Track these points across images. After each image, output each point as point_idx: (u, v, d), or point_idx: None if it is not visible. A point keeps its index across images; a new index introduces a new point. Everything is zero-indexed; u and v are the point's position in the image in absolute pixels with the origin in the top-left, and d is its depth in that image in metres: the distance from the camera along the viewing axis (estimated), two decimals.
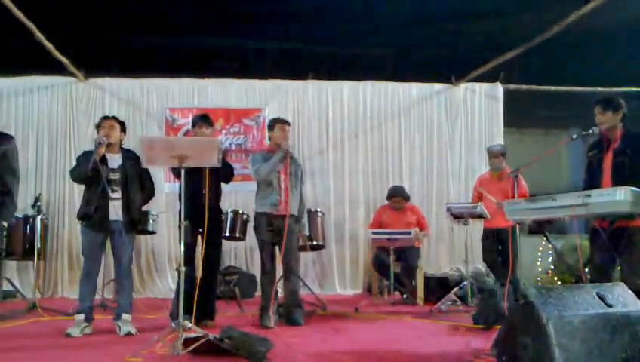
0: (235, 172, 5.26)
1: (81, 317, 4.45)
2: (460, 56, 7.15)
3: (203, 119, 5.00)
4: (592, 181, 4.43)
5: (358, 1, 6.11)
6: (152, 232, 6.36)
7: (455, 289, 5.88)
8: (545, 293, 3.05)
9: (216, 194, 4.99)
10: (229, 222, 6.04)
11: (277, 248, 5.00)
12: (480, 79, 7.68)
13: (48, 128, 7.27)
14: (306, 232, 5.65)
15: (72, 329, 4.37)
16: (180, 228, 4.03)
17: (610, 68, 7.27)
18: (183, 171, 3.98)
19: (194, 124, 5.01)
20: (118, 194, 4.50)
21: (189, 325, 3.77)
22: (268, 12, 6.28)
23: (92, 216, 4.45)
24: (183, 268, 3.87)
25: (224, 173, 4.91)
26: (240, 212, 6.21)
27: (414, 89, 7.87)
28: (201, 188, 4.69)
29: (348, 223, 7.53)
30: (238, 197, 7.18)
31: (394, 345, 4.20)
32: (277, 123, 5.15)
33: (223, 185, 5.10)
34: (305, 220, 5.48)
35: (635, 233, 4.11)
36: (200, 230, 4.68)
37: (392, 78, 7.80)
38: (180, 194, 4.01)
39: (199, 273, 4.67)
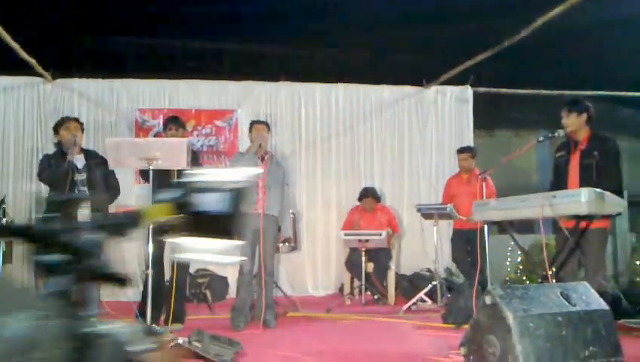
0: None
1: None
2: (430, 60, 7.20)
3: (174, 121, 5.00)
4: (559, 182, 4.53)
5: (331, 3, 6.12)
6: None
7: (425, 289, 5.94)
8: (510, 293, 3.11)
9: None
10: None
11: (257, 248, 5.01)
12: (450, 82, 7.76)
13: (15, 129, 7.11)
14: (289, 235, 5.67)
15: None
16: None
17: (577, 71, 7.43)
18: (151, 173, 3.97)
19: (165, 126, 5.00)
20: (85, 195, 4.50)
21: (157, 329, 3.74)
22: (240, 13, 6.25)
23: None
24: (150, 271, 3.84)
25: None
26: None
27: (386, 91, 7.91)
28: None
29: (320, 224, 7.53)
30: None
31: (365, 345, 4.23)
32: (253, 124, 5.29)
33: None
34: (287, 223, 5.49)
35: (596, 233, 4.22)
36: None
37: (364, 80, 7.82)
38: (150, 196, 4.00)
39: (167, 276, 4.66)
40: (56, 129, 4.65)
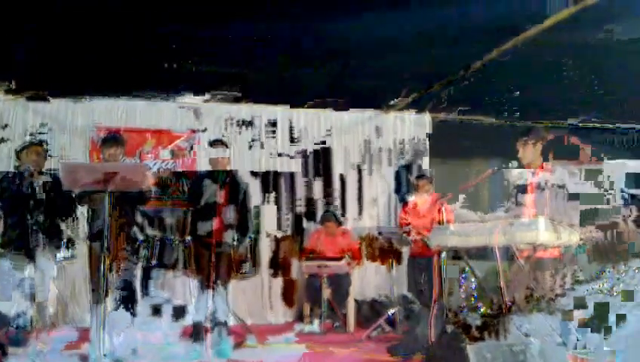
0: (165, 197, 5.14)
1: None
2: (390, 86, 7.32)
3: (113, 140, 4.74)
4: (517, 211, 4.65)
5: (292, 29, 6.17)
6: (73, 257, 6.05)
7: (383, 317, 5.95)
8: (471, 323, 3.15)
9: (129, 219, 4.75)
10: (157, 250, 5.84)
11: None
12: (409, 108, 7.90)
13: None
14: (246, 258, 5.57)
15: None
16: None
17: (530, 101, 7.66)
18: (107, 196, 3.86)
19: (103, 145, 4.72)
20: (41, 218, 4.42)
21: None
22: (203, 34, 6.21)
23: (15, 242, 4.33)
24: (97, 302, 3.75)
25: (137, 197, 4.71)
26: (168, 239, 6.03)
27: (346, 116, 7.99)
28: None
29: (280, 248, 7.47)
30: (166, 222, 6.96)
31: None
32: (210, 144, 5.23)
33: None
34: (245, 246, 5.37)
35: (549, 262, 4.33)
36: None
37: (325, 104, 7.87)
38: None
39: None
40: (23, 153, 4.54)
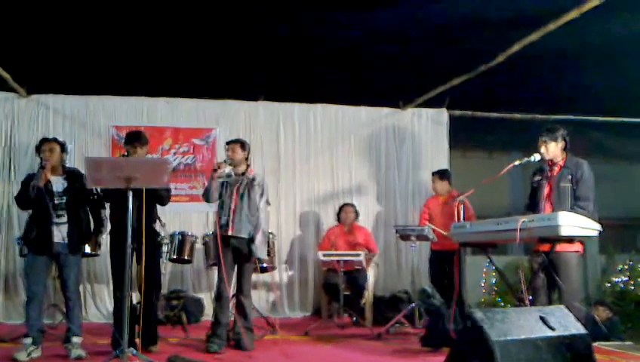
0: (183, 192, 5.18)
1: (29, 340, 4.35)
2: (407, 82, 7.30)
3: (136, 138, 4.72)
4: (535, 205, 4.62)
5: (309, 25, 6.19)
6: (97, 255, 6.12)
7: (404, 311, 5.94)
8: (491, 317, 3.14)
9: (151, 216, 4.77)
10: (176, 244, 5.90)
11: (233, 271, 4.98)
12: (426, 105, 7.87)
13: None
14: (261, 255, 5.53)
15: (18, 354, 4.26)
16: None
17: (549, 95, 7.62)
18: (130, 193, 3.91)
19: (127, 143, 4.71)
20: (63, 219, 4.43)
21: (134, 352, 3.68)
22: (218, 31, 6.25)
23: (34, 239, 4.39)
24: (127, 293, 3.79)
25: (162, 195, 4.73)
26: (188, 234, 6.09)
27: (363, 113, 7.99)
28: (137, 211, 4.49)
29: (298, 244, 7.51)
30: (185, 218, 7.03)
31: None
32: (226, 144, 5.24)
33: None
34: (260, 243, 5.29)
35: (572, 256, 4.30)
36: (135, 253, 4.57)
37: (341, 101, 7.88)
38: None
39: (137, 298, 4.60)
40: (37, 152, 4.58)
